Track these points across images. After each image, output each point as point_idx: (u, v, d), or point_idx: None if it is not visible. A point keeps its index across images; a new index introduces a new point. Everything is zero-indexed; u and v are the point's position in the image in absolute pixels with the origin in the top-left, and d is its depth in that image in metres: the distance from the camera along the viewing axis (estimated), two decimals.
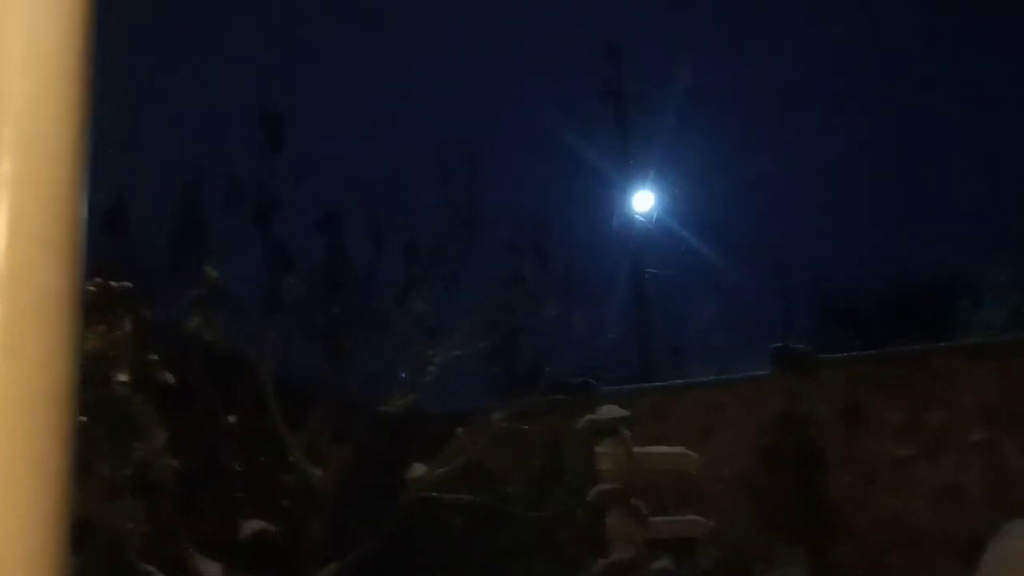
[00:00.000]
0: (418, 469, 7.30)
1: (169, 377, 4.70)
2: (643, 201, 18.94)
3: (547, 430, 8.33)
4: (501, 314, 7.95)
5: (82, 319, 1.53)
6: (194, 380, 6.47)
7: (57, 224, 1.46)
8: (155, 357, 4.59)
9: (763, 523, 10.16)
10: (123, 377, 4.40)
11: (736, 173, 18.90)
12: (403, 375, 7.51)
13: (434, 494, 7.41)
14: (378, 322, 7.70)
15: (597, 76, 19.10)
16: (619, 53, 19.02)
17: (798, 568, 10.02)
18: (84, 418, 4.23)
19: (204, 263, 5.67)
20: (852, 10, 21.88)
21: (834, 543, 9.94)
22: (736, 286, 19.08)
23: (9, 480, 1.39)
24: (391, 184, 7.81)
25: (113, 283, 4.37)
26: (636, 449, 6.62)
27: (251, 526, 6.61)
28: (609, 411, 6.83)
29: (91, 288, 4.21)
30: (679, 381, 12.77)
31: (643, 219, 18.79)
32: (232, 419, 6.79)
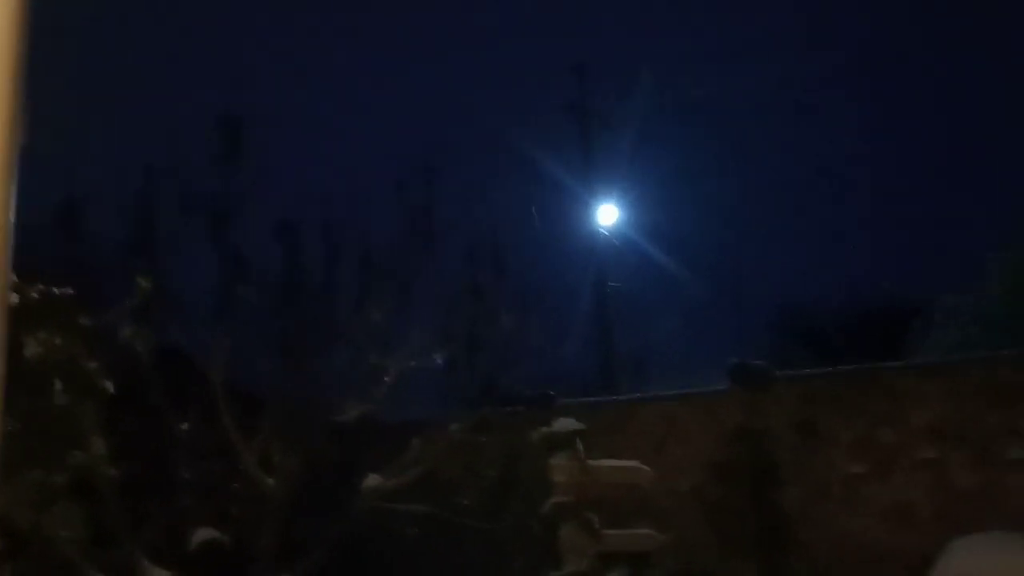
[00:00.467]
0: (372, 479, 7.27)
1: (108, 385, 4.65)
2: (607, 214, 19.04)
3: (503, 442, 8.32)
4: (458, 325, 7.95)
5: (7, 327, 1.52)
6: (141, 387, 6.40)
7: None
8: (94, 364, 4.54)
9: (717, 537, 10.22)
10: (62, 384, 4.35)
11: (699, 189, 19.08)
12: (358, 384, 7.49)
13: (388, 504, 7.38)
14: (333, 331, 7.67)
15: (560, 90, 19.22)
16: (583, 68, 19.15)
17: None
18: (21, 425, 4.18)
19: (139, 273, 5.62)
20: (813, 29, 22.20)
21: (787, 557, 10.02)
22: (698, 300, 19.22)
23: None
24: (348, 194, 7.81)
25: (56, 289, 4.32)
26: (591, 462, 6.64)
27: (201, 535, 6.55)
28: (564, 424, 6.85)
29: (33, 295, 4.16)
30: (637, 394, 12.82)
31: (606, 232, 18.89)
32: (184, 426, 6.73)
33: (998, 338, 11.86)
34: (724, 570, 9.96)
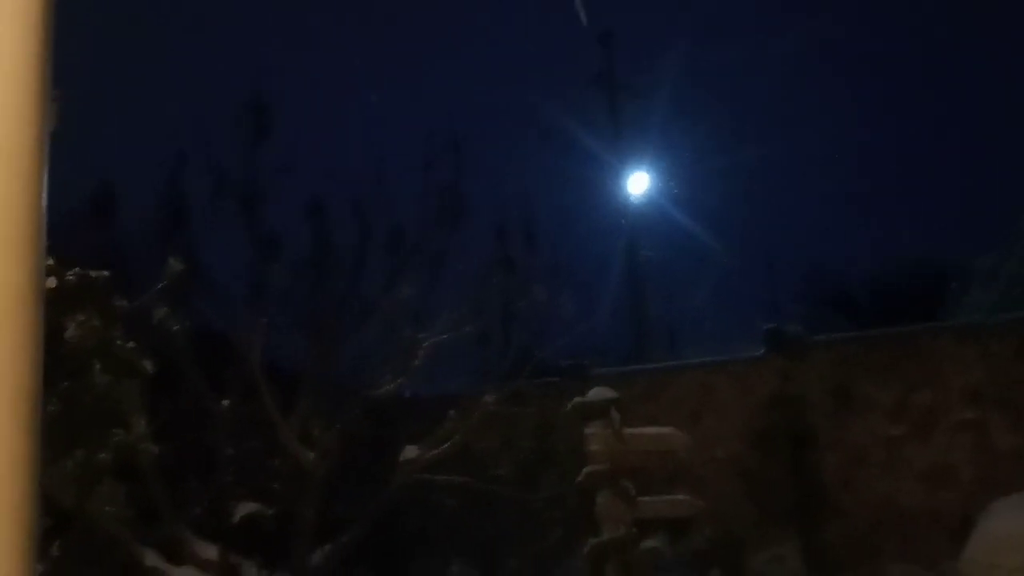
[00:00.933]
0: (410, 451, 7.34)
1: (148, 365, 4.73)
2: (638, 183, 18.95)
3: (538, 413, 8.37)
4: (490, 298, 7.98)
5: (43, 312, 1.57)
6: (180, 367, 6.50)
7: (14, 220, 1.49)
8: (132, 345, 4.61)
9: (754, 503, 10.23)
10: (101, 365, 4.43)
11: (730, 156, 18.95)
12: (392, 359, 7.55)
13: (425, 476, 7.46)
14: (366, 308, 7.73)
15: (589, 61, 19.10)
16: (610, 38, 18.99)
17: (789, 547, 10.10)
18: (64, 406, 4.27)
19: (171, 254, 5.68)
20: None
21: (825, 522, 10.01)
22: (730, 268, 19.13)
23: None
24: (378, 170, 7.83)
25: (92, 272, 4.39)
26: (626, 430, 6.66)
27: (244, 509, 6.67)
28: (599, 393, 6.86)
29: (70, 278, 4.24)
30: (671, 363, 12.82)
31: (637, 202, 18.81)
32: (224, 404, 6.83)
33: None
34: (762, 536, 9.98)
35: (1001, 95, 20.14)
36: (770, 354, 10.72)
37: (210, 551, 6.50)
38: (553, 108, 17.51)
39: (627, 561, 6.25)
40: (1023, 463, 9.24)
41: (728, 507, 9.83)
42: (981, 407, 9.67)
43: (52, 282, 3.97)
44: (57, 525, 4.31)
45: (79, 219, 6.49)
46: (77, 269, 4.34)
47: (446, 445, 7.38)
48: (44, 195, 1.54)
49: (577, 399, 6.67)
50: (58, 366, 4.20)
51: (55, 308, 4.25)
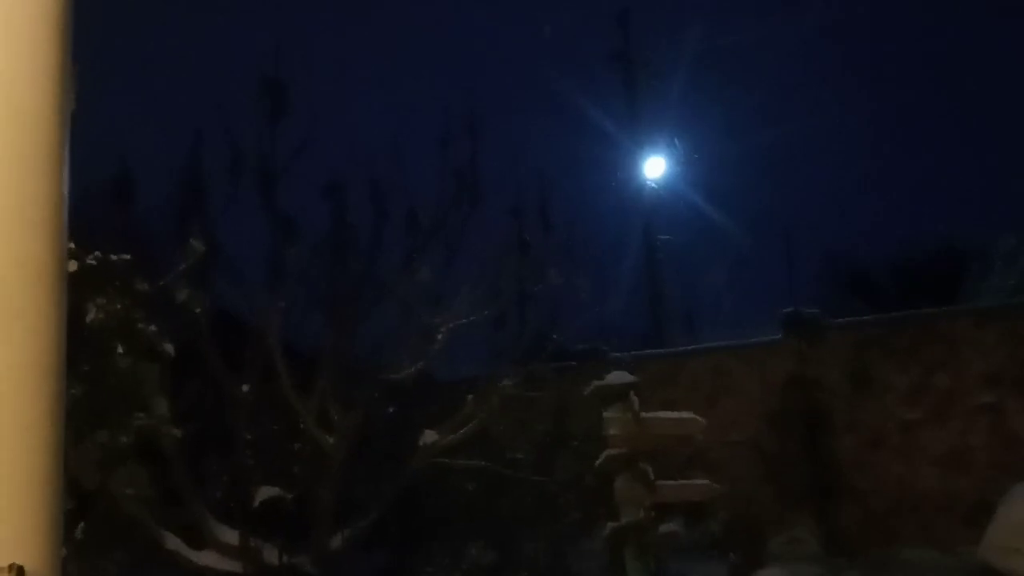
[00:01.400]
0: (429, 435, 7.35)
1: (169, 347, 4.74)
2: (654, 166, 18.88)
3: (556, 396, 8.37)
4: (507, 281, 7.96)
5: (66, 292, 1.57)
6: (201, 350, 6.52)
7: (37, 199, 1.49)
8: (153, 328, 4.63)
9: (772, 486, 10.23)
10: (123, 348, 4.45)
11: (747, 139, 18.83)
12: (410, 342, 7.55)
13: (444, 460, 7.47)
14: (383, 290, 7.73)
15: (606, 40, 18.99)
16: (628, 17, 18.88)
17: (806, 530, 10.09)
18: (86, 389, 4.29)
19: (192, 236, 5.68)
20: None
21: (842, 506, 10.00)
22: (748, 251, 19.06)
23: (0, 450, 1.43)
24: (394, 151, 7.81)
25: (113, 256, 4.40)
26: (644, 414, 6.65)
27: (264, 492, 6.70)
28: (617, 377, 6.84)
29: (91, 261, 4.25)
30: (689, 346, 12.79)
31: (654, 184, 18.75)
32: (244, 388, 6.85)
33: None
34: (779, 519, 9.97)
35: (1020, 75, 19.91)
36: (788, 337, 10.69)
37: (230, 535, 6.54)
38: (570, 88, 17.45)
39: (645, 544, 6.26)
40: None
41: (746, 490, 9.82)
42: (999, 391, 9.61)
43: (73, 265, 3.98)
44: (80, 507, 4.34)
45: (98, 202, 6.50)
46: (98, 253, 4.35)
47: (464, 429, 7.39)
48: (66, 176, 1.53)
49: (596, 383, 6.66)
50: (80, 349, 4.22)
51: (76, 291, 4.27)
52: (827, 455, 10.19)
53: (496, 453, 7.76)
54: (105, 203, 6.54)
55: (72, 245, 3.90)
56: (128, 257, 4.53)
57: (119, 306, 4.38)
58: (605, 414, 6.48)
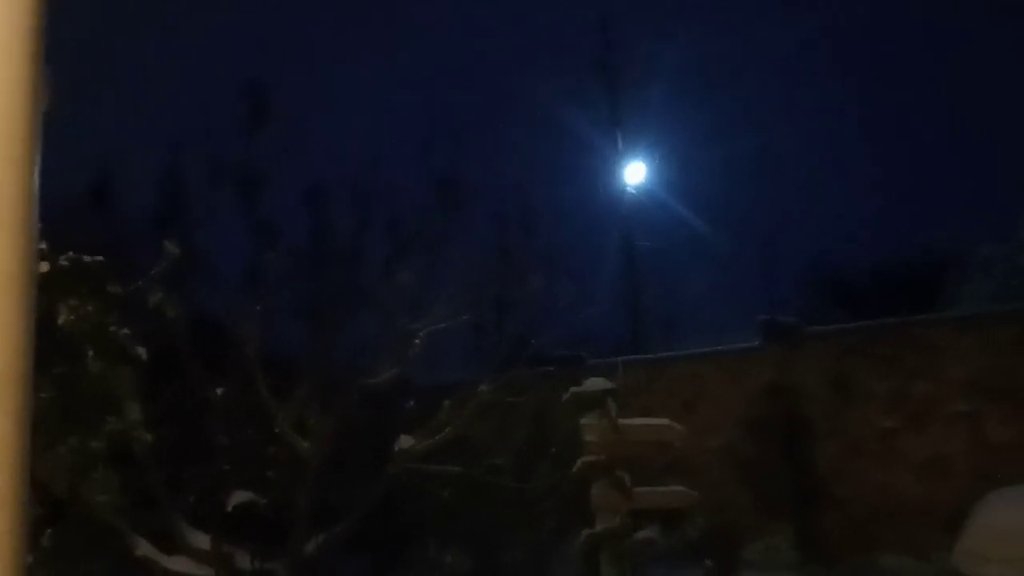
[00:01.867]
0: (405, 441, 7.32)
1: (142, 351, 4.69)
2: (634, 173, 18.92)
3: (534, 402, 8.36)
4: (487, 287, 7.95)
5: (35, 293, 1.54)
6: (175, 354, 6.46)
7: (6, 198, 1.46)
8: (126, 331, 4.57)
9: (750, 493, 10.24)
10: (95, 352, 4.39)
11: (729, 145, 18.89)
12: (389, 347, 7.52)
13: (421, 466, 7.44)
14: (363, 295, 7.70)
15: (587, 47, 19.04)
16: (607, 25, 18.94)
17: (784, 537, 10.11)
18: (57, 393, 4.24)
19: (165, 239, 5.63)
20: None
21: (820, 513, 10.02)
22: (728, 258, 19.12)
23: None
24: (376, 158, 7.80)
25: (86, 257, 4.35)
26: (622, 421, 6.64)
27: (238, 497, 6.64)
28: (595, 383, 6.84)
29: (63, 263, 4.19)
30: (667, 353, 12.81)
31: (634, 191, 18.78)
32: (219, 391, 6.80)
33: None
34: (757, 526, 9.99)
35: (999, 84, 20.10)
36: (766, 344, 10.72)
37: (203, 540, 6.48)
38: (552, 95, 17.47)
39: (621, 551, 6.25)
40: (1018, 455, 9.24)
41: (723, 497, 9.84)
42: (978, 398, 9.67)
43: (45, 267, 3.94)
44: (49, 514, 4.29)
45: (75, 205, 6.45)
46: (71, 253, 4.29)
47: (441, 434, 7.36)
48: (37, 177, 1.51)
49: (574, 389, 6.65)
50: (52, 352, 4.17)
51: (48, 293, 4.22)
52: (805, 462, 10.22)
53: (473, 459, 7.74)
54: (83, 206, 6.49)
55: (44, 246, 3.85)
56: (101, 259, 4.47)
57: (91, 309, 4.33)
58: (582, 420, 6.47)
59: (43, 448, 4.17)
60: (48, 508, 4.20)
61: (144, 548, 6.11)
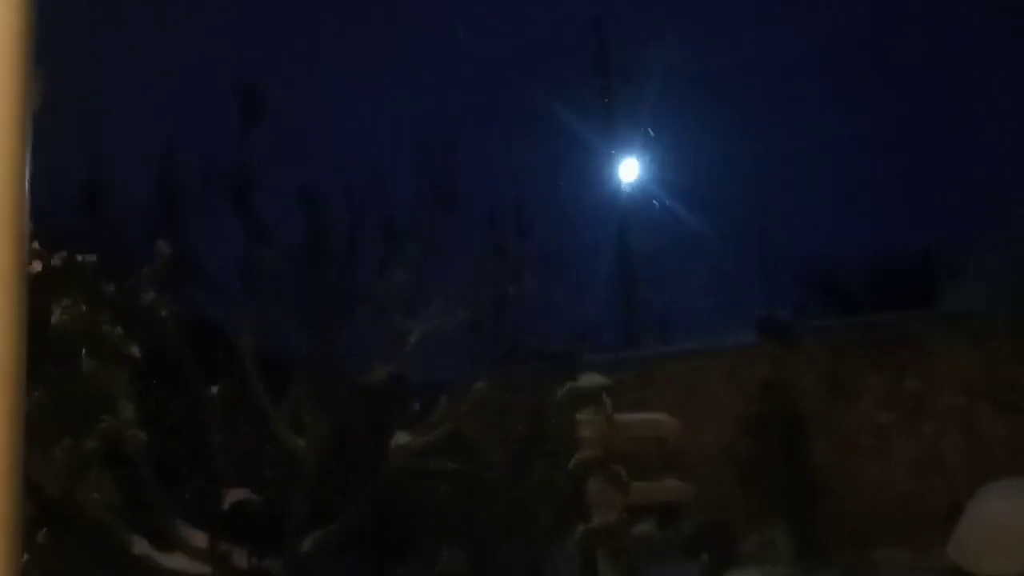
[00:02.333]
0: (401, 438, 7.33)
1: (135, 351, 4.69)
2: (629, 170, 18.92)
3: (529, 399, 8.38)
4: (481, 285, 7.97)
5: (26, 295, 1.55)
6: (170, 353, 6.47)
7: None
8: (119, 331, 4.58)
9: (745, 489, 10.26)
10: (88, 351, 4.40)
11: (723, 144, 18.91)
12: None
13: (417, 463, 7.45)
14: (358, 295, 7.71)
15: (581, 46, 19.04)
16: (601, 23, 18.93)
17: (779, 532, 10.14)
18: (51, 393, 4.24)
19: (157, 239, 5.63)
20: None
21: (815, 508, 10.05)
22: (722, 256, 19.12)
23: None
24: (370, 157, 7.81)
25: (79, 257, 4.35)
26: (617, 416, 6.67)
27: (234, 495, 6.66)
28: (590, 379, 6.87)
29: (56, 263, 4.19)
30: (662, 349, 12.83)
31: (629, 188, 18.79)
32: (214, 390, 6.81)
33: None
34: (752, 521, 10.01)
35: (996, 83, 20.11)
36: (761, 341, 10.74)
37: (199, 538, 6.49)
38: (545, 93, 17.46)
39: (618, 546, 6.27)
40: (1010, 450, 9.29)
41: (719, 493, 9.85)
42: (970, 395, 9.71)
43: (37, 266, 3.94)
44: (44, 513, 4.29)
45: (67, 205, 6.45)
46: (63, 253, 4.29)
47: (437, 431, 7.37)
48: (27, 176, 1.52)
49: (569, 385, 6.67)
50: (44, 352, 4.17)
51: (41, 293, 4.22)
52: (801, 458, 10.24)
53: (469, 456, 7.76)
54: (75, 207, 6.49)
55: (37, 246, 3.86)
56: (94, 258, 4.47)
57: (85, 308, 4.33)
58: (578, 417, 6.49)
59: (37, 448, 4.18)
60: (42, 507, 4.20)
61: (141, 546, 6.13)
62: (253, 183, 7.22)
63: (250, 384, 6.86)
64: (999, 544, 7.62)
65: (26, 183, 1.55)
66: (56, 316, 4.23)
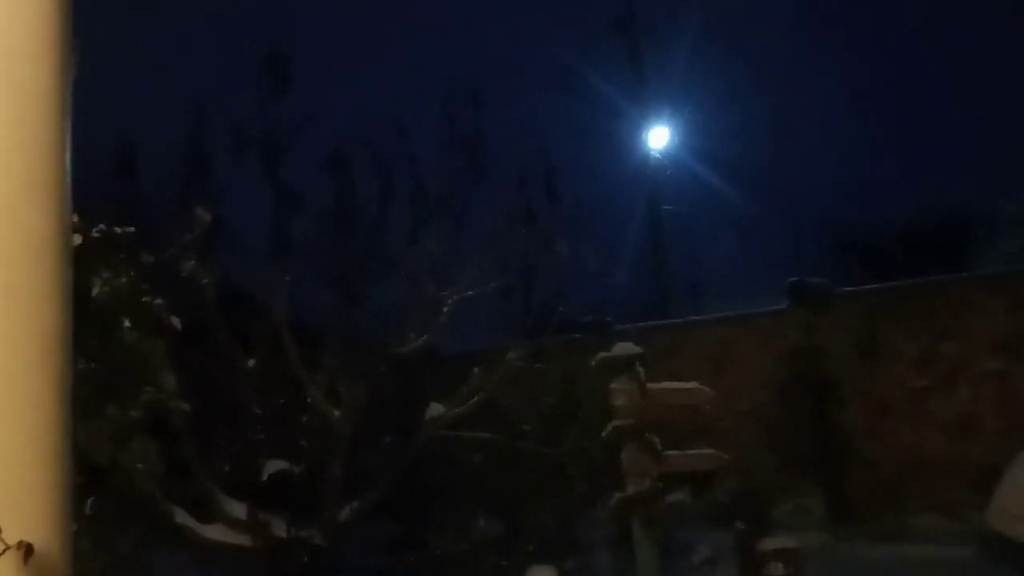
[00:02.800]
0: (435, 408, 7.36)
1: (176, 321, 4.72)
2: (658, 137, 18.79)
3: (562, 368, 8.37)
4: (512, 253, 7.94)
5: (70, 260, 1.55)
6: (207, 324, 6.52)
7: (40, 167, 1.47)
8: (160, 301, 4.60)
9: (778, 455, 10.24)
10: (130, 322, 4.43)
11: (752, 107, 18.69)
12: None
13: (451, 433, 7.48)
14: (389, 263, 7.71)
15: (609, 7, 18.83)
16: None
17: (814, 498, 10.11)
18: (94, 364, 4.28)
19: (196, 206, 5.63)
20: None
21: (849, 474, 10.01)
22: (753, 221, 18.98)
23: (4, 420, 1.42)
24: (398, 124, 7.77)
25: (117, 229, 4.37)
26: (650, 385, 6.64)
27: (272, 466, 6.72)
28: (623, 348, 6.83)
29: (95, 235, 4.21)
30: (694, 317, 12.77)
31: (658, 155, 18.66)
32: (250, 363, 6.86)
33: None
34: (786, 487, 9.99)
35: None
36: (794, 307, 10.67)
37: (239, 509, 6.56)
38: (574, 57, 17.32)
39: (652, 514, 6.27)
40: None
41: (753, 460, 9.83)
42: (1007, 357, 9.60)
43: (78, 239, 3.96)
44: (90, 482, 4.35)
45: (102, 176, 6.47)
46: (102, 226, 4.31)
47: (471, 402, 7.39)
48: (68, 148, 1.51)
49: (602, 354, 6.64)
50: (87, 324, 4.20)
51: (82, 266, 4.25)
52: (835, 424, 10.20)
53: (503, 426, 7.77)
54: (109, 177, 6.51)
55: (76, 219, 3.87)
56: (132, 230, 4.49)
57: (124, 280, 4.35)
58: (611, 385, 6.47)
59: (83, 418, 4.22)
60: (89, 477, 4.26)
61: (181, 517, 6.20)
62: (283, 151, 7.21)
63: (285, 354, 6.90)
64: None
65: (68, 157, 1.54)
66: (97, 288, 4.26)
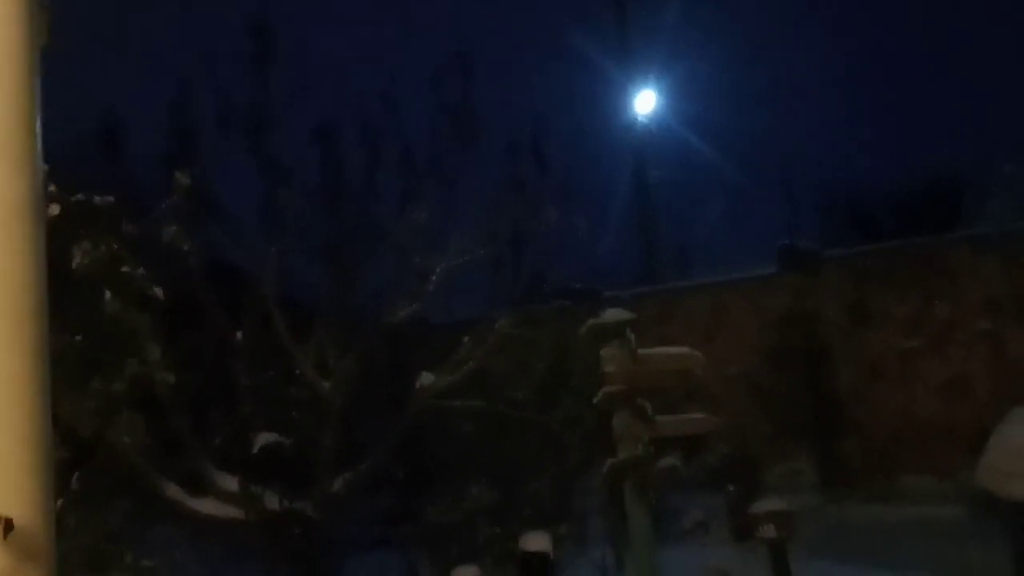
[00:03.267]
0: (426, 378, 7.34)
1: (159, 292, 4.67)
2: (645, 102, 18.68)
3: (552, 335, 8.35)
4: (502, 222, 7.90)
5: (44, 230, 1.51)
6: (195, 296, 6.47)
7: (9, 134, 1.42)
8: (142, 271, 4.55)
9: (770, 419, 10.28)
10: (112, 293, 4.38)
11: (740, 71, 18.62)
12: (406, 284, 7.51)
13: (443, 402, 7.47)
14: (378, 233, 7.67)
15: None
16: None
17: (805, 461, 10.17)
18: (77, 336, 4.24)
19: (177, 170, 5.56)
20: None
21: (841, 436, 10.06)
22: (741, 186, 18.95)
23: None
24: (385, 93, 7.69)
25: (97, 198, 4.30)
26: (641, 351, 6.62)
27: (263, 439, 6.70)
28: (613, 314, 6.80)
29: (74, 205, 4.15)
30: (683, 283, 12.77)
31: (645, 119, 18.57)
32: (238, 335, 6.82)
33: None
34: (778, 451, 10.04)
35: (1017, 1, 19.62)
36: (784, 271, 10.67)
37: (230, 482, 6.55)
38: (561, 22, 17.20)
39: (645, 479, 6.27)
40: None
41: (744, 424, 9.87)
42: (998, 317, 9.63)
43: (55, 209, 3.90)
44: (76, 456, 4.32)
45: (82, 145, 6.39)
46: (80, 195, 4.25)
47: (462, 370, 7.38)
48: (38, 108, 1.47)
49: (592, 321, 6.62)
50: (68, 295, 4.15)
51: (61, 236, 4.20)
52: (826, 387, 10.23)
53: (494, 394, 7.76)
54: (91, 149, 6.43)
55: (53, 188, 3.81)
56: (112, 199, 4.42)
57: (104, 249, 4.30)
58: (602, 352, 6.45)
59: (66, 391, 4.18)
60: (76, 451, 4.22)
61: (172, 491, 6.19)
62: (269, 120, 7.14)
63: (274, 326, 6.87)
64: None
65: (37, 119, 1.50)
66: (77, 259, 4.21)
